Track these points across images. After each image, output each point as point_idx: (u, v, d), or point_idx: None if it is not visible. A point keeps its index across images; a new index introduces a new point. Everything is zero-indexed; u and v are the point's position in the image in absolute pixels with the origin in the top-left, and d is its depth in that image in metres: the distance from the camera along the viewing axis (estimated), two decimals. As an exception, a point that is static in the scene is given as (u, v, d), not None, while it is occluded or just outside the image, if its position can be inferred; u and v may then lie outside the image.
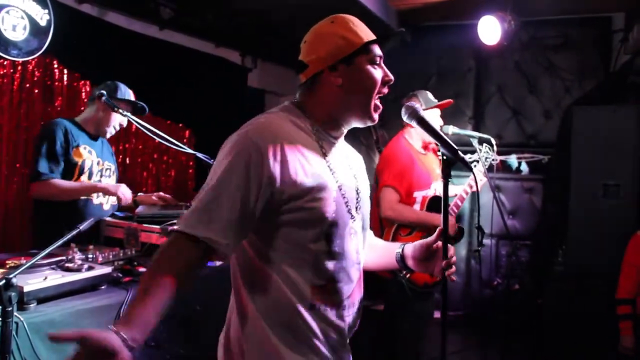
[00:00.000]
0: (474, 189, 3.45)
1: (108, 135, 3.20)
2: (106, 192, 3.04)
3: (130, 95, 3.19)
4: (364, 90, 1.56)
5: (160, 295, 1.33)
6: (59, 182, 2.92)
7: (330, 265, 1.52)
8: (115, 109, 3.01)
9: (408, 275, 3.27)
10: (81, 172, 3.03)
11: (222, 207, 1.40)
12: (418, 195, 3.45)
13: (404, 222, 3.38)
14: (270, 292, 1.47)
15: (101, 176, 3.17)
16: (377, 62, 1.58)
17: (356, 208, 1.60)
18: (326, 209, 1.49)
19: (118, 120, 3.13)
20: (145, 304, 1.32)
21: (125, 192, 3.00)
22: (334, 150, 1.62)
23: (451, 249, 1.66)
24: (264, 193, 1.43)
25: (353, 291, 1.60)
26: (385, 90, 1.60)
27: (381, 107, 1.60)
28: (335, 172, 1.56)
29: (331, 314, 1.54)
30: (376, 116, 1.60)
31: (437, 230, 1.65)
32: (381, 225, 3.46)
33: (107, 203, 3.18)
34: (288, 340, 1.49)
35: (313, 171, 1.49)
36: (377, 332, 3.71)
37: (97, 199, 3.11)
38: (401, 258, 1.75)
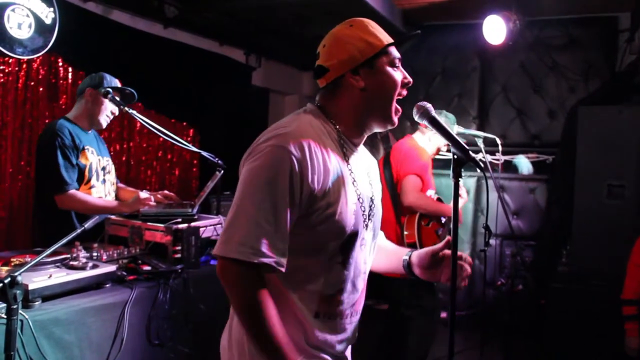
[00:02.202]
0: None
1: (104, 125, 3.14)
2: (130, 210, 2.91)
3: (116, 83, 3.13)
4: (386, 92, 1.56)
5: (275, 322, 1.41)
6: (84, 197, 2.91)
7: (340, 276, 1.53)
8: (110, 95, 2.98)
9: None
10: (90, 175, 3.02)
11: (280, 225, 1.39)
12: (429, 193, 3.53)
13: (425, 210, 3.48)
14: (276, 299, 1.45)
15: (104, 175, 3.16)
16: (397, 65, 1.57)
17: (369, 217, 1.60)
18: (347, 222, 1.49)
19: (109, 108, 3.08)
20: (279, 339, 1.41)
21: (146, 201, 2.91)
22: (355, 158, 1.61)
23: (463, 254, 1.67)
24: (303, 206, 1.43)
25: (357, 300, 1.62)
26: (405, 92, 1.60)
27: (400, 110, 1.60)
28: (356, 182, 1.56)
29: (334, 323, 1.55)
30: (396, 119, 1.60)
31: (445, 240, 1.65)
32: (397, 214, 3.50)
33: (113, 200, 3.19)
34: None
35: (339, 183, 1.49)
36: (382, 332, 3.71)
37: (96, 195, 3.08)
38: (408, 265, 1.75)
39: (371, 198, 1.62)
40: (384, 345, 3.73)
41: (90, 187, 3.03)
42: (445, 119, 3.60)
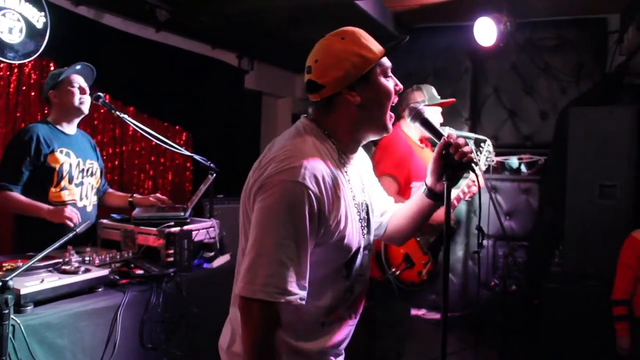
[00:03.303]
0: (471, 193, 3.43)
1: (85, 109, 3.04)
2: (51, 217, 2.77)
3: (74, 67, 3.02)
4: (381, 103, 1.55)
5: None
6: (16, 196, 2.84)
7: (344, 286, 1.57)
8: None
9: (397, 273, 3.28)
10: (60, 178, 2.94)
11: (302, 261, 1.40)
12: (415, 185, 3.44)
13: None
14: (284, 316, 1.44)
15: (83, 177, 3.07)
16: (389, 74, 1.57)
17: (368, 224, 1.63)
18: (353, 241, 1.52)
19: (75, 85, 2.98)
20: None
21: (71, 215, 2.76)
22: (352, 172, 1.61)
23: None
24: (319, 236, 1.44)
25: (358, 304, 1.66)
26: (396, 99, 1.59)
27: (393, 116, 1.60)
28: (355, 196, 1.57)
29: (338, 327, 1.60)
30: (390, 126, 1.59)
31: (441, 141, 1.62)
32: None
33: (90, 205, 3.12)
34: (293, 348, 1.53)
35: (346, 207, 1.50)
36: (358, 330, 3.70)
37: (80, 201, 3.04)
38: (428, 191, 1.70)
39: (366, 204, 1.63)
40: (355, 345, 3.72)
41: (61, 190, 2.95)
42: (431, 93, 3.52)
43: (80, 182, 3.06)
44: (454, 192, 3.59)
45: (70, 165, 3.00)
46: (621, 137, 4.26)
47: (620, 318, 3.38)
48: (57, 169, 2.92)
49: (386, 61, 1.57)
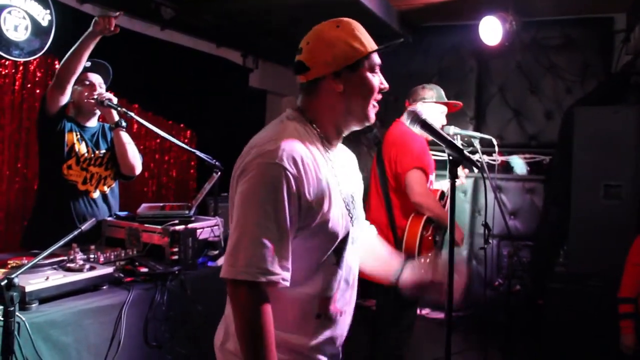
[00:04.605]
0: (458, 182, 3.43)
1: (95, 107, 3.07)
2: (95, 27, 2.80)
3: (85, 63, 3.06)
4: (363, 97, 1.57)
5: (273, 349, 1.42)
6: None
7: (336, 275, 1.56)
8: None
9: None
10: (68, 157, 3.00)
11: (283, 242, 1.41)
12: (431, 177, 3.46)
13: (429, 211, 3.30)
14: (278, 306, 1.47)
15: (89, 165, 3.09)
16: (376, 71, 1.59)
17: (353, 213, 1.63)
18: (338, 226, 1.53)
19: (85, 92, 3.03)
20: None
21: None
22: (337, 159, 1.63)
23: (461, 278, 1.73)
24: (301, 218, 1.45)
25: (351, 297, 1.66)
26: (380, 97, 1.61)
27: (377, 106, 1.62)
28: (340, 184, 1.58)
29: (334, 321, 1.59)
30: (373, 116, 1.61)
31: (430, 278, 1.76)
32: (390, 216, 3.35)
33: (95, 191, 3.12)
34: (290, 347, 1.53)
35: (329, 190, 1.51)
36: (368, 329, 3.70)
37: (83, 185, 3.06)
38: (395, 285, 1.81)
39: (352, 195, 1.65)
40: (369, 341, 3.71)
41: (68, 167, 3.02)
42: (439, 93, 3.51)
43: (86, 169, 3.08)
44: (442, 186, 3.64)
45: (84, 151, 3.06)
46: (627, 137, 4.24)
47: (626, 316, 3.37)
48: (67, 146, 2.99)
49: (376, 58, 1.59)
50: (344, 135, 1.65)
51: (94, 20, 2.80)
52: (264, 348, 1.40)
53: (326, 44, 1.55)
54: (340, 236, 1.53)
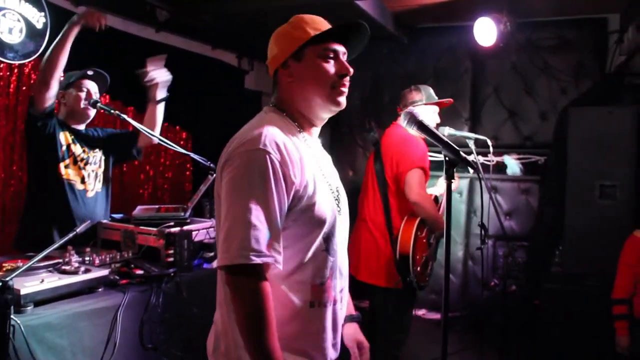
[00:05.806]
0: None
1: (91, 115, 3.12)
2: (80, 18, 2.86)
3: (78, 72, 3.12)
4: (315, 83, 1.59)
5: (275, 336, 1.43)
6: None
7: (328, 263, 1.57)
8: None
9: (418, 271, 3.31)
10: (64, 157, 3.01)
11: (273, 224, 1.43)
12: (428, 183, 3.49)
13: (424, 212, 3.32)
14: (272, 296, 1.47)
15: (84, 165, 3.11)
16: (330, 56, 1.60)
17: (340, 203, 1.66)
18: (326, 210, 1.55)
19: (82, 99, 3.06)
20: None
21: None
22: (318, 149, 1.69)
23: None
24: (288, 200, 1.47)
25: (344, 285, 1.67)
26: (346, 82, 1.61)
27: (346, 92, 1.62)
28: (323, 171, 1.62)
29: (327, 310, 1.59)
30: (340, 99, 1.61)
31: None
32: (387, 217, 3.38)
33: (92, 190, 3.13)
34: (289, 343, 1.52)
35: (314, 175, 1.54)
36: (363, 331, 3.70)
37: (81, 184, 3.07)
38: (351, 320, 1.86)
39: (337, 188, 1.68)
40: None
41: (65, 167, 3.02)
42: (428, 93, 3.53)
43: (83, 168, 3.10)
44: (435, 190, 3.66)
45: (78, 151, 3.08)
46: (621, 138, 4.26)
47: (620, 317, 3.39)
48: (62, 146, 3.00)
49: (328, 45, 1.59)
50: (318, 122, 1.68)
51: (81, 13, 2.85)
52: (266, 333, 1.40)
53: (274, 40, 1.67)
54: (328, 220, 1.55)
